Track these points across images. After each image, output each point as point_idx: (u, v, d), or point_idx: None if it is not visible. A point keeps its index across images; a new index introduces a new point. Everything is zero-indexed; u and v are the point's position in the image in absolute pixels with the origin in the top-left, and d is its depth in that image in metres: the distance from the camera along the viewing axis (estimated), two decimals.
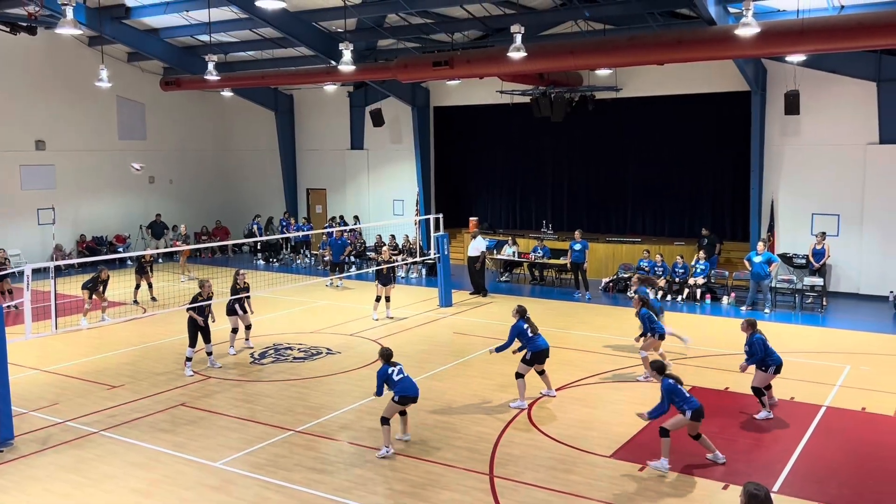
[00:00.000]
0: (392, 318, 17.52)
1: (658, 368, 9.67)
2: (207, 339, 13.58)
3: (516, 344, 11.76)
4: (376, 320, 17.28)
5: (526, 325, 11.63)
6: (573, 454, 9.85)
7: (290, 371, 13.62)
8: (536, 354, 11.61)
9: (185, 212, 28.71)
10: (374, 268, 18.60)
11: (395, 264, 20.30)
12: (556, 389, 12.28)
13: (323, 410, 11.54)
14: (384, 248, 20.14)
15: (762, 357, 11.02)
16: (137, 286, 19.80)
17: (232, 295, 14.83)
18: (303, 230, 26.12)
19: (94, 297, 17.48)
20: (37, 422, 11.19)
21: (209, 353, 13.80)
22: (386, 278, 17.50)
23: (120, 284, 21.18)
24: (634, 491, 8.79)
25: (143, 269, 19.84)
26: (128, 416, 11.35)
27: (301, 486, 8.98)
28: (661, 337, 12.76)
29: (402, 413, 10.15)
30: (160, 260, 25.37)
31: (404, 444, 10.13)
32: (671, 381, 9.33)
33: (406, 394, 9.85)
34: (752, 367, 11.19)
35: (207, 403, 11.92)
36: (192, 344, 13.36)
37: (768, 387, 11.26)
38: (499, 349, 11.84)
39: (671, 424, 9.30)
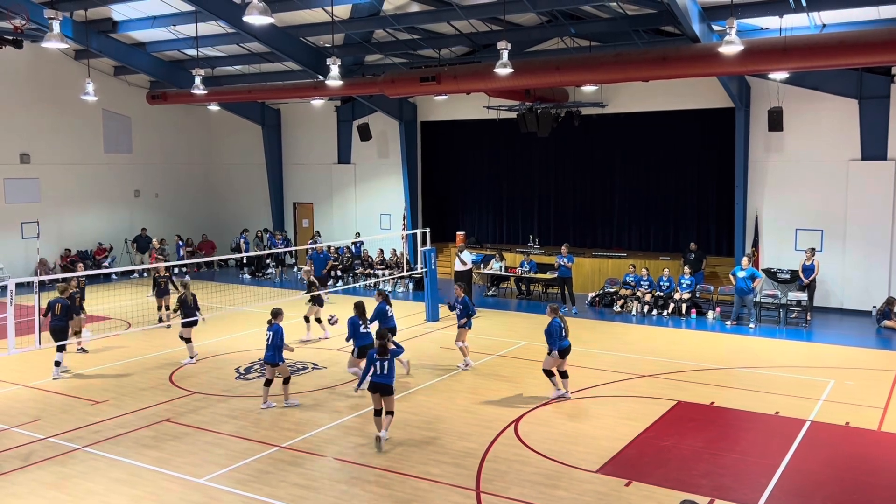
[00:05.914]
0: (329, 338, 17.08)
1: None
2: (62, 348, 14.29)
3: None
4: (327, 338, 16.96)
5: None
6: (559, 469, 9.84)
7: (275, 386, 13.52)
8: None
9: (170, 226, 28.55)
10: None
11: (325, 290, 19.62)
12: (542, 405, 12.33)
13: (308, 426, 11.49)
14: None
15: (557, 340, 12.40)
16: (163, 307, 18.48)
17: (182, 307, 14.95)
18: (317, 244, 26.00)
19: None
20: (19, 438, 11.07)
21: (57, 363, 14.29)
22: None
23: (105, 299, 21.04)
24: None
25: (158, 286, 18.60)
26: (112, 432, 11.25)
27: (286, 503, 8.92)
28: (469, 328, 14.74)
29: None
30: (145, 274, 25.17)
31: (390, 461, 10.09)
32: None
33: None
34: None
35: (192, 419, 11.84)
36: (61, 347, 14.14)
37: (564, 374, 12.66)
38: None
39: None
